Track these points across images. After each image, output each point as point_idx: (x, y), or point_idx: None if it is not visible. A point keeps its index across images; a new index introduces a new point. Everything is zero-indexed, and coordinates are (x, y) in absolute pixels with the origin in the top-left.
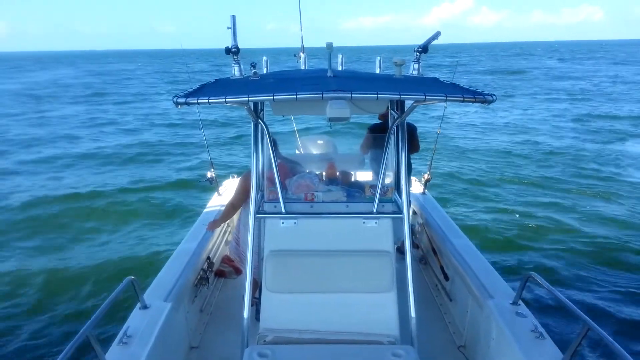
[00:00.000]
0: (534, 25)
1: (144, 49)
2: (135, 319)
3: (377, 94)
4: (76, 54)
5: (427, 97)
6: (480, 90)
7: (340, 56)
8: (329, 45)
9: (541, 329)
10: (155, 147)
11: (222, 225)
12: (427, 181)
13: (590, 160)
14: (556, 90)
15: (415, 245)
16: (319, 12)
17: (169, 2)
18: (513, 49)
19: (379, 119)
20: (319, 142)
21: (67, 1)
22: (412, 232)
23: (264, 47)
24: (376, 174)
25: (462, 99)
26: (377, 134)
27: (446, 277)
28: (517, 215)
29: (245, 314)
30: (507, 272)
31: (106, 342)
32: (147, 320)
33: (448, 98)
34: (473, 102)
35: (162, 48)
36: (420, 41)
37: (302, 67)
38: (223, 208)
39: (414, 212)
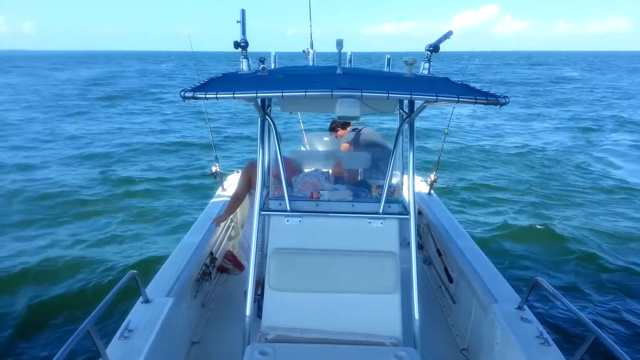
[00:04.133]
0: (558, 35)
1: (166, 50)
2: (137, 313)
3: (388, 93)
4: (98, 53)
5: (438, 97)
6: (492, 92)
7: (349, 53)
8: (339, 42)
9: (546, 335)
10: None
11: (226, 219)
12: (433, 182)
13: (596, 165)
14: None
15: (419, 246)
16: (340, 17)
17: (190, 5)
18: (537, 57)
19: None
20: (325, 139)
21: (84, 2)
22: (417, 233)
23: (285, 52)
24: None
25: (474, 100)
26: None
27: (450, 279)
28: (526, 219)
29: (248, 312)
30: (513, 276)
31: (107, 336)
32: (148, 315)
33: (460, 99)
34: (485, 104)
35: (184, 50)
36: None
37: (311, 64)
38: (228, 200)
39: (420, 213)
